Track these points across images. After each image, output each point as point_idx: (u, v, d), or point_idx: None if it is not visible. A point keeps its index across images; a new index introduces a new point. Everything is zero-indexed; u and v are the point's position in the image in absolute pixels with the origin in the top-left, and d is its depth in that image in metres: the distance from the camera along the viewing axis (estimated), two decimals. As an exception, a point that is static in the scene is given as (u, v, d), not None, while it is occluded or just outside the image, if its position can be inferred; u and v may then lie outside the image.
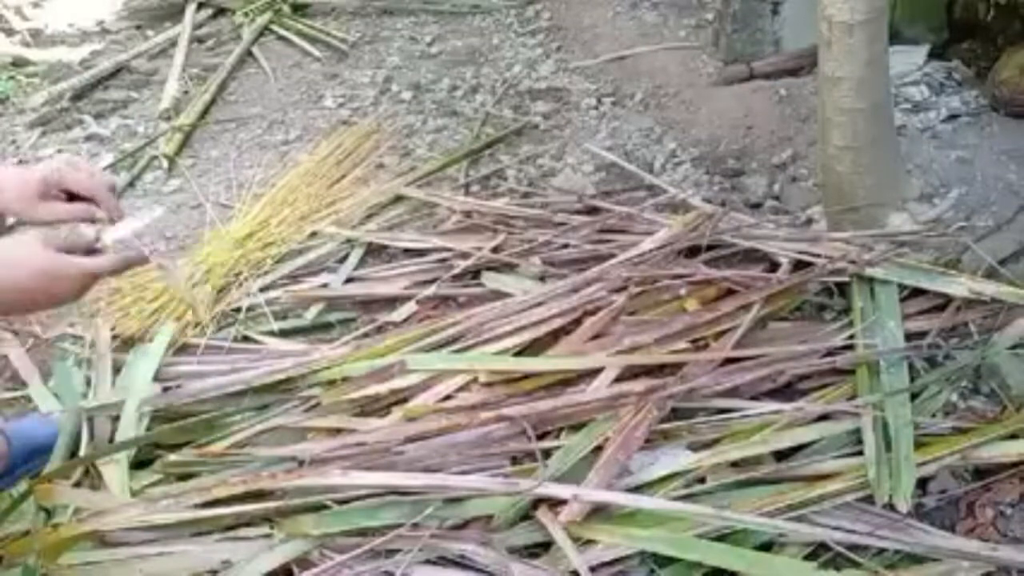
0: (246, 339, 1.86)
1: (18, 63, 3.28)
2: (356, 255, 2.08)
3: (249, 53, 3.28)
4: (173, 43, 3.36)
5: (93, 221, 1.18)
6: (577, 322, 1.69)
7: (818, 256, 1.79)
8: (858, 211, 1.98)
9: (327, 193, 2.33)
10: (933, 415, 1.53)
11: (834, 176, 2.02)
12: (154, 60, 3.29)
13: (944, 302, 1.72)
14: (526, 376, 1.57)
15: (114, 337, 1.83)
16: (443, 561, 1.30)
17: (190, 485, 1.41)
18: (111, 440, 1.57)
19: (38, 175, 1.19)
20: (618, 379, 1.55)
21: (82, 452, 1.53)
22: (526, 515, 1.34)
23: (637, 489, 1.37)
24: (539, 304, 1.73)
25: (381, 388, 1.59)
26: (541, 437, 1.46)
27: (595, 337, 1.65)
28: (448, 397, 1.57)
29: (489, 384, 1.57)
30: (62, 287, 1.07)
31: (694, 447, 1.45)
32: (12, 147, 2.69)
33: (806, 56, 2.65)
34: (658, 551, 1.28)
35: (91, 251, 1.11)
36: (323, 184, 2.36)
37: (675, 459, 1.41)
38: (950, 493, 1.41)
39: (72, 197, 1.20)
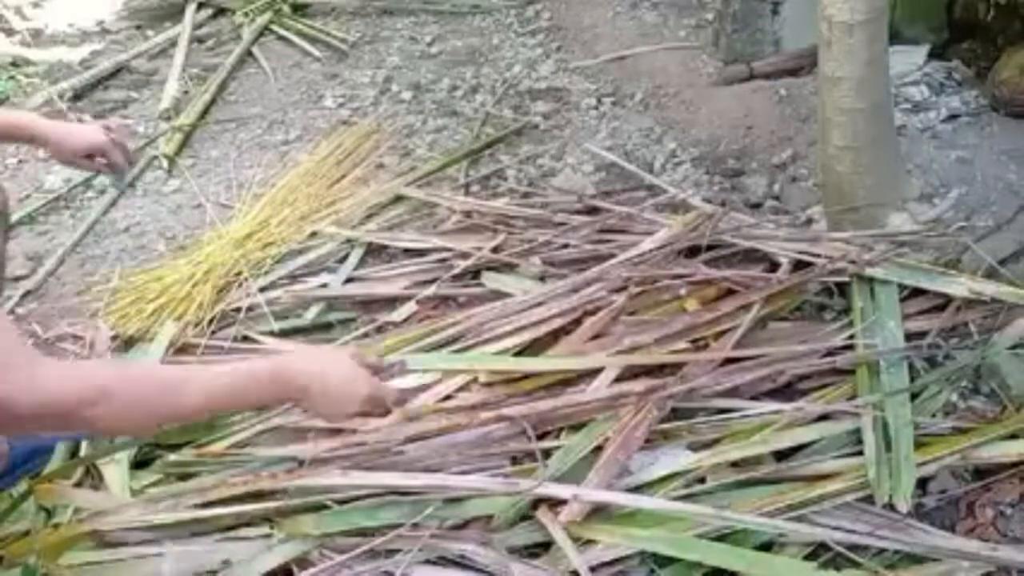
0: (246, 339, 1.86)
1: (18, 63, 3.28)
2: (356, 255, 2.08)
3: (249, 53, 3.28)
4: (173, 43, 3.36)
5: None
6: (577, 322, 1.69)
7: (818, 256, 1.79)
8: (858, 211, 1.98)
9: (327, 193, 2.33)
10: (933, 415, 1.53)
11: (834, 176, 2.02)
12: (154, 60, 3.29)
13: (944, 302, 1.72)
14: (526, 376, 1.57)
15: (114, 337, 1.84)
16: (443, 561, 1.30)
17: (190, 485, 1.41)
18: (111, 440, 1.57)
19: (89, 142, 1.59)
20: (618, 379, 1.55)
21: (82, 452, 1.53)
22: (526, 515, 1.34)
23: (637, 489, 1.37)
24: (539, 304, 1.73)
25: (381, 388, 1.59)
26: (541, 437, 1.46)
27: (595, 337, 1.66)
28: (448, 397, 1.57)
29: (489, 384, 1.57)
30: (354, 392, 1.21)
31: (694, 447, 1.44)
32: (13, 147, 2.69)
33: (806, 56, 2.65)
34: (658, 551, 1.28)
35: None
36: (323, 184, 2.36)
37: (675, 459, 1.41)
38: (950, 493, 1.41)
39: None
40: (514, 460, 1.43)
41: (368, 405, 1.22)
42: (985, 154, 2.24)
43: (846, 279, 1.74)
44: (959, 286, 1.71)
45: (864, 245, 1.82)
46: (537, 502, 1.34)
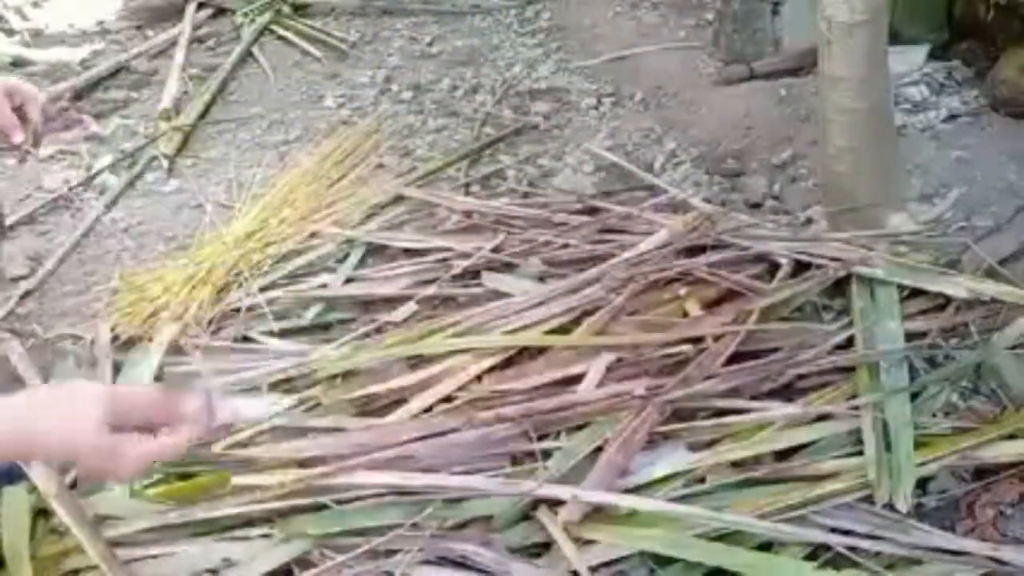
0: (246, 339, 1.86)
1: (18, 63, 3.28)
2: (356, 255, 2.08)
3: (249, 53, 3.28)
4: (173, 43, 3.35)
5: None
6: (577, 322, 1.69)
7: (818, 256, 1.79)
8: (858, 211, 1.98)
9: (327, 193, 2.33)
10: (933, 415, 1.52)
11: (834, 176, 2.02)
12: (154, 60, 3.29)
13: (944, 302, 1.72)
14: (525, 376, 1.57)
15: (114, 337, 1.83)
16: (443, 561, 1.30)
17: (190, 485, 1.41)
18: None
19: None
20: (618, 380, 1.55)
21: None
22: (526, 515, 1.34)
23: (637, 489, 1.37)
24: (539, 304, 1.73)
25: (381, 388, 1.59)
26: (541, 438, 1.45)
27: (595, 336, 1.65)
28: (448, 397, 1.57)
29: (490, 383, 1.57)
30: (105, 470, 0.91)
31: (694, 447, 1.44)
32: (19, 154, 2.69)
33: (806, 56, 2.65)
34: (658, 551, 1.28)
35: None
36: (323, 184, 2.36)
37: (675, 459, 1.41)
38: (950, 493, 1.41)
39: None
40: (514, 460, 1.43)
41: (136, 469, 0.90)
42: (985, 154, 2.24)
43: (846, 279, 1.74)
44: (959, 286, 1.71)
45: (864, 245, 1.82)
46: (537, 502, 1.34)
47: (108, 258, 2.20)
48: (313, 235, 2.15)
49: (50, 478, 1.38)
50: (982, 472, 1.44)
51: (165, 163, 2.59)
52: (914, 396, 1.54)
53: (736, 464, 1.42)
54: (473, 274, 1.94)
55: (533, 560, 1.29)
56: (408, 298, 1.88)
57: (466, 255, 1.95)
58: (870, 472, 1.36)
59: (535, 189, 2.33)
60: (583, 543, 1.29)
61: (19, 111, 1.38)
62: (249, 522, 1.35)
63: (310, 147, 2.62)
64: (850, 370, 1.59)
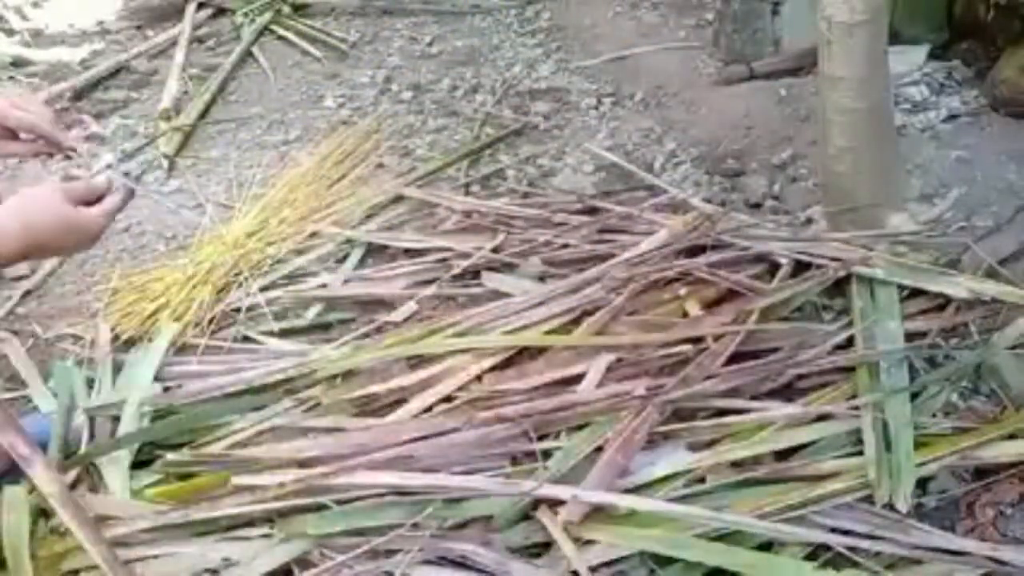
0: (246, 339, 1.86)
1: (18, 63, 3.28)
2: (356, 255, 2.08)
3: (249, 53, 3.28)
4: (173, 43, 3.36)
5: (45, 154, 1.39)
6: (577, 322, 1.69)
7: (818, 256, 1.79)
8: (858, 211, 1.98)
9: (327, 193, 2.33)
10: (933, 415, 1.52)
11: (834, 176, 2.02)
12: (154, 60, 3.29)
13: (944, 302, 1.72)
14: (526, 376, 1.57)
15: (114, 337, 1.83)
16: (443, 561, 1.30)
17: (190, 485, 1.41)
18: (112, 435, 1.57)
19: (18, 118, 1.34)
20: (618, 380, 1.55)
21: (81, 451, 1.53)
22: (526, 515, 1.34)
23: (637, 489, 1.37)
24: (539, 304, 1.73)
25: (381, 388, 1.59)
26: (541, 438, 1.45)
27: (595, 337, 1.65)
28: (448, 397, 1.57)
29: (490, 383, 1.57)
30: (82, 238, 1.22)
31: (694, 447, 1.44)
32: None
33: (806, 56, 2.65)
34: (658, 551, 1.28)
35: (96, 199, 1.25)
36: (323, 184, 2.36)
37: (675, 459, 1.41)
38: (950, 493, 1.41)
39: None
40: (514, 460, 1.43)
41: (97, 234, 1.23)
42: (985, 154, 2.24)
43: (846, 279, 1.74)
44: (959, 286, 1.71)
45: (864, 245, 1.82)
46: (537, 502, 1.34)
47: (108, 258, 2.20)
48: (313, 235, 2.15)
49: (50, 478, 1.38)
50: (982, 472, 1.44)
51: (165, 163, 2.59)
52: (914, 396, 1.54)
53: (736, 464, 1.42)
54: (473, 274, 1.94)
55: (533, 560, 1.29)
56: (408, 298, 1.89)
57: (466, 255, 1.96)
58: (870, 472, 1.36)
59: (535, 189, 2.33)
60: (583, 543, 1.29)
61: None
62: (249, 522, 1.35)
63: (310, 147, 2.62)
64: (850, 370, 1.59)
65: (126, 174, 1.29)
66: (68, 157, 1.42)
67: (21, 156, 1.47)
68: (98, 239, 1.24)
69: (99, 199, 1.26)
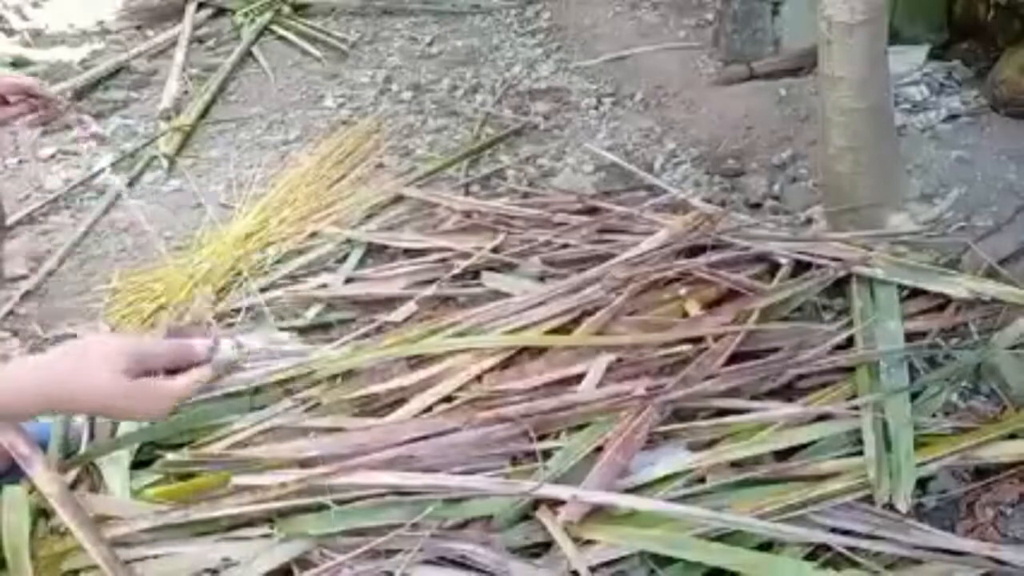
0: (246, 339, 1.86)
1: (18, 63, 3.28)
2: (356, 255, 2.08)
3: (249, 53, 3.28)
4: (173, 43, 3.36)
5: (35, 110, 1.37)
6: (577, 322, 1.69)
7: (818, 256, 1.79)
8: (858, 211, 1.98)
9: (327, 193, 2.33)
10: (933, 415, 1.52)
11: (834, 176, 2.02)
12: (154, 60, 3.29)
13: (944, 302, 1.72)
14: (525, 376, 1.57)
15: (114, 337, 1.83)
16: (443, 561, 1.30)
17: (190, 485, 1.41)
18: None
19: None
20: (618, 380, 1.55)
21: (81, 451, 1.53)
22: (526, 515, 1.34)
23: (637, 489, 1.37)
24: (539, 304, 1.73)
25: (381, 388, 1.59)
26: (541, 438, 1.45)
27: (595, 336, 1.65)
28: (448, 397, 1.57)
29: (490, 383, 1.57)
30: (142, 412, 1.06)
31: (694, 447, 1.44)
32: (12, 147, 2.69)
33: (806, 56, 2.65)
34: (658, 551, 1.28)
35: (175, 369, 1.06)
36: (323, 184, 2.36)
37: (675, 459, 1.41)
38: (950, 493, 1.41)
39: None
40: (514, 460, 1.43)
41: (163, 409, 1.05)
42: (985, 154, 2.24)
43: (846, 279, 1.74)
44: (959, 286, 1.71)
45: (864, 245, 1.82)
46: (537, 502, 1.34)
47: (108, 258, 2.20)
48: (313, 235, 2.15)
49: (50, 478, 1.38)
50: (982, 472, 1.44)
51: (165, 163, 2.59)
52: (914, 396, 1.54)
53: (736, 464, 1.42)
54: (473, 274, 1.94)
55: (533, 560, 1.29)
56: (408, 298, 1.88)
57: (466, 255, 1.95)
58: (870, 472, 1.36)
59: (535, 189, 2.33)
60: (583, 543, 1.29)
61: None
62: (249, 522, 1.35)
63: (310, 147, 2.62)
64: (850, 370, 1.59)
65: (239, 346, 1.09)
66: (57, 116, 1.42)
67: (14, 118, 1.42)
68: (164, 414, 1.06)
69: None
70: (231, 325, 1.89)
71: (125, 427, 1.57)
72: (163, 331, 1.14)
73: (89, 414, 1.13)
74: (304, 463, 1.42)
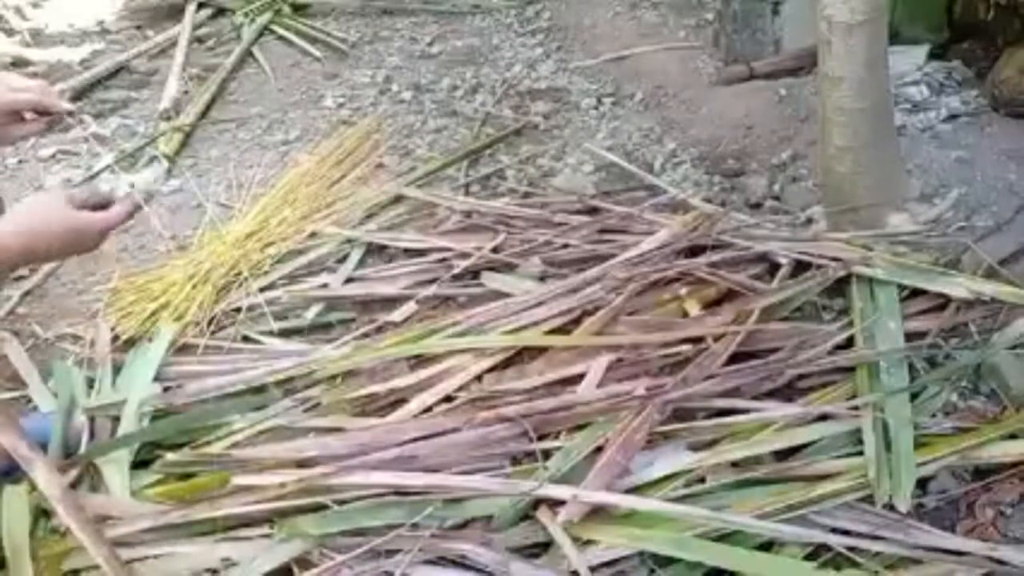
0: (246, 339, 1.86)
1: (18, 63, 3.28)
2: (356, 255, 2.08)
3: (249, 53, 3.28)
4: (173, 43, 3.35)
5: (50, 126, 1.42)
6: (577, 322, 1.69)
7: (818, 256, 1.79)
8: (858, 211, 1.98)
9: (327, 193, 2.33)
10: (933, 415, 1.53)
11: (834, 176, 2.02)
12: (154, 60, 3.29)
13: (944, 302, 1.72)
14: (526, 376, 1.57)
15: (114, 337, 1.83)
16: (443, 561, 1.30)
17: (190, 485, 1.41)
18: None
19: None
20: (618, 380, 1.55)
21: (81, 451, 1.53)
22: (526, 515, 1.34)
23: (637, 489, 1.37)
24: (539, 304, 1.73)
25: (381, 388, 1.59)
26: (541, 438, 1.45)
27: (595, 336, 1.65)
28: (448, 397, 1.57)
29: (490, 383, 1.57)
30: (84, 241, 1.26)
31: (694, 447, 1.44)
32: (12, 147, 2.69)
33: (806, 56, 2.65)
34: (658, 551, 1.28)
35: (102, 206, 1.30)
36: (323, 184, 2.36)
37: (675, 459, 1.41)
38: (950, 493, 1.41)
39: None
40: (514, 460, 1.43)
41: (100, 239, 1.28)
42: (985, 154, 2.24)
43: (846, 279, 1.74)
44: (959, 286, 1.71)
45: (864, 245, 1.82)
46: (537, 502, 1.34)
47: (108, 258, 2.20)
48: (313, 235, 2.15)
49: (51, 478, 1.38)
50: (982, 472, 1.44)
51: (165, 163, 2.58)
52: (914, 396, 1.54)
53: (736, 464, 1.42)
54: (473, 274, 1.94)
55: (533, 560, 1.29)
56: (408, 298, 1.89)
57: (466, 255, 1.96)
58: (870, 472, 1.37)
59: (535, 189, 2.33)
60: (583, 543, 1.29)
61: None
62: (249, 522, 1.35)
63: (310, 147, 2.62)
64: (850, 370, 1.59)
65: (131, 185, 1.33)
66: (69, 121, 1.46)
67: (32, 136, 1.54)
68: (101, 242, 1.28)
69: (104, 207, 1.30)
70: (231, 325, 1.89)
71: (125, 427, 1.58)
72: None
73: (53, 249, 1.26)
74: (304, 463, 1.42)
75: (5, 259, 1.23)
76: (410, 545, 1.28)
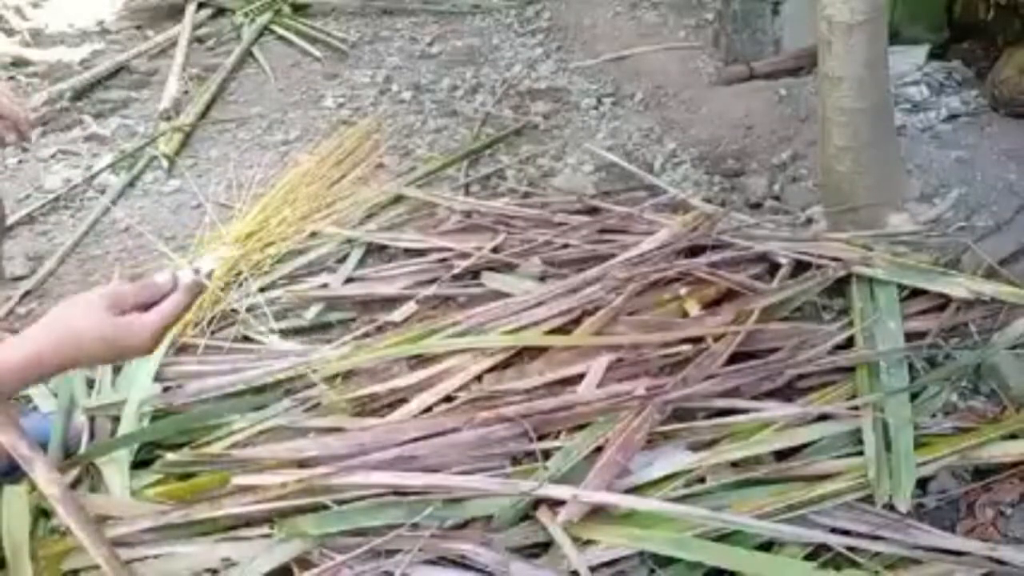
0: (246, 339, 1.86)
1: (18, 63, 3.28)
2: (356, 255, 2.08)
3: (249, 53, 3.28)
4: (173, 43, 3.36)
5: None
6: (577, 322, 1.69)
7: (818, 256, 1.79)
8: (858, 211, 1.98)
9: (327, 193, 2.33)
10: (933, 415, 1.53)
11: (834, 176, 2.02)
12: (154, 60, 3.29)
13: (944, 302, 1.72)
14: (526, 376, 1.57)
15: (114, 337, 1.83)
16: (443, 561, 1.30)
17: (190, 485, 1.41)
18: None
19: None
20: (618, 380, 1.55)
21: (81, 451, 1.53)
22: (526, 515, 1.34)
23: (637, 489, 1.37)
24: (539, 304, 1.73)
25: (381, 388, 1.59)
26: (541, 438, 1.45)
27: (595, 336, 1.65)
28: (448, 397, 1.57)
29: (490, 383, 1.57)
30: (129, 348, 1.08)
31: (694, 447, 1.44)
32: (12, 147, 2.69)
33: (806, 56, 2.65)
34: (658, 551, 1.28)
35: (156, 301, 1.10)
36: (323, 184, 2.36)
37: (675, 459, 1.41)
38: (950, 493, 1.41)
39: None
40: (514, 460, 1.43)
41: (151, 341, 1.08)
42: (985, 154, 2.24)
43: (846, 279, 1.74)
44: (959, 286, 1.71)
45: (864, 245, 1.82)
46: (537, 502, 1.34)
47: (108, 258, 2.20)
48: (313, 235, 2.15)
49: (51, 478, 1.38)
50: (982, 472, 1.44)
51: (165, 163, 2.59)
52: (914, 396, 1.54)
53: (736, 464, 1.42)
54: (473, 274, 1.94)
55: (533, 560, 1.29)
56: (408, 298, 1.89)
57: (466, 255, 1.96)
58: (870, 472, 1.37)
59: (535, 189, 2.33)
60: (583, 543, 1.29)
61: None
62: (249, 522, 1.35)
63: (310, 147, 2.62)
64: (850, 370, 1.59)
65: (196, 271, 1.13)
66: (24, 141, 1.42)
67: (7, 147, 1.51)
68: (156, 345, 1.09)
69: (158, 301, 1.10)
70: (231, 325, 1.89)
71: (125, 427, 1.58)
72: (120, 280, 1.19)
73: (92, 362, 1.14)
74: (304, 463, 1.42)
75: (9, 388, 1.07)
76: (410, 545, 1.28)
